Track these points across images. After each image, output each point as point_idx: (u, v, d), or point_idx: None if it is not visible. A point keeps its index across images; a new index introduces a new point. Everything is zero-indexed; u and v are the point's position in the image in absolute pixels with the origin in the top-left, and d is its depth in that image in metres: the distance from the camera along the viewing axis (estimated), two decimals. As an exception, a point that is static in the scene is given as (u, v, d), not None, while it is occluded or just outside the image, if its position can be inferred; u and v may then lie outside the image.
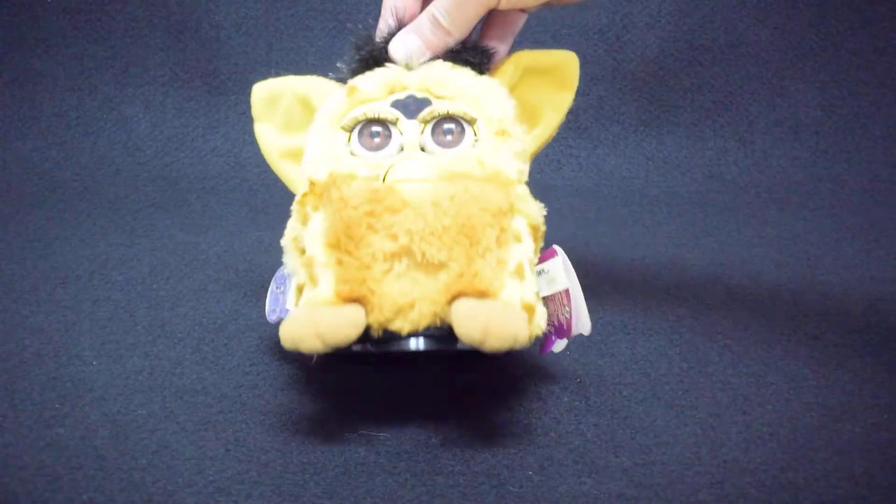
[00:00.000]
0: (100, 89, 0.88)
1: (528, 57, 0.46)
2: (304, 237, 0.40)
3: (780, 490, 0.38)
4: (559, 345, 0.43)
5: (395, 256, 0.38)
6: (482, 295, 0.37)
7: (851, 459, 0.40)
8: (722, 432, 0.42)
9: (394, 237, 0.38)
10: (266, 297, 0.47)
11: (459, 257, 0.38)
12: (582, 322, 0.41)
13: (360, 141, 0.42)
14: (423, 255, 0.37)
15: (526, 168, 0.43)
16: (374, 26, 0.47)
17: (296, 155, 0.47)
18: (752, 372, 0.48)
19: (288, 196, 0.45)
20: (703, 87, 0.88)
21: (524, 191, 0.42)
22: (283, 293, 0.44)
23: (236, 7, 0.88)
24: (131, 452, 0.39)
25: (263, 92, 0.48)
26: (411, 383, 0.46)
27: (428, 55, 0.45)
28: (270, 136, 0.49)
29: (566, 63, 0.47)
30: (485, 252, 0.38)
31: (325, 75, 0.47)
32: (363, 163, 0.41)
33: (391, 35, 0.46)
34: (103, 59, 0.88)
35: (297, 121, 0.48)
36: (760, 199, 0.80)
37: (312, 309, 0.37)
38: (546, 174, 0.88)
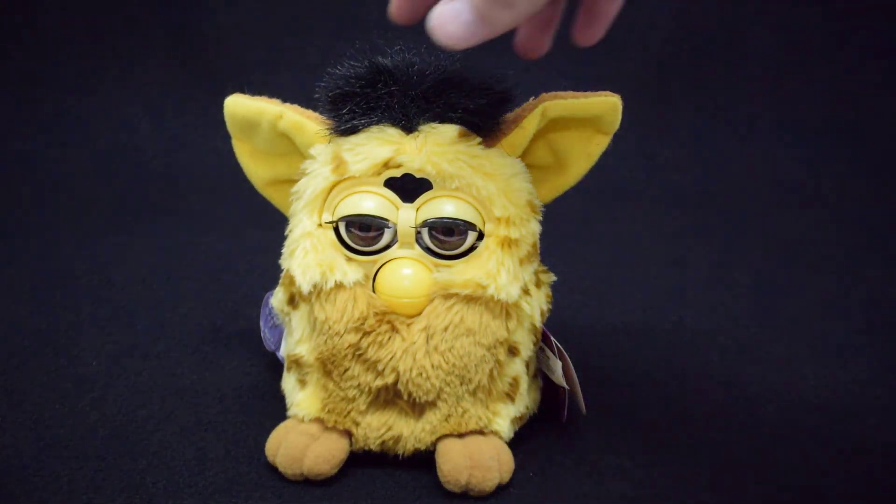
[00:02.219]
0: (100, 89, 0.88)
1: (557, 108, 0.38)
2: (292, 322, 0.39)
3: (780, 490, 0.38)
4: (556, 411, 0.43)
5: (380, 391, 0.37)
6: (470, 433, 0.38)
7: (851, 459, 0.40)
8: (723, 432, 0.42)
9: (380, 373, 0.36)
10: (261, 304, 0.47)
11: (448, 398, 0.37)
12: (577, 409, 0.42)
13: (348, 234, 0.37)
14: (410, 394, 0.37)
15: (535, 265, 0.39)
16: (376, 27, 0.43)
17: (282, 183, 0.42)
18: (752, 372, 0.48)
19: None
20: (703, 87, 0.88)
21: (528, 302, 0.38)
22: (277, 328, 0.44)
23: (236, 7, 0.88)
24: (131, 453, 0.39)
25: (237, 113, 0.41)
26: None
27: (480, 36, 0.31)
28: (250, 161, 0.43)
29: (607, 112, 0.39)
30: (476, 390, 0.37)
31: (321, 81, 0.39)
32: (352, 257, 0.37)
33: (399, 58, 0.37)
34: (103, 59, 0.88)
35: (280, 150, 0.41)
36: (760, 198, 0.80)
37: (299, 439, 0.37)
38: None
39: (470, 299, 0.36)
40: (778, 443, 0.41)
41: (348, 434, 0.38)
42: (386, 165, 0.37)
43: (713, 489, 0.38)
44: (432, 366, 0.36)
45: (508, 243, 0.37)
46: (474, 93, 0.37)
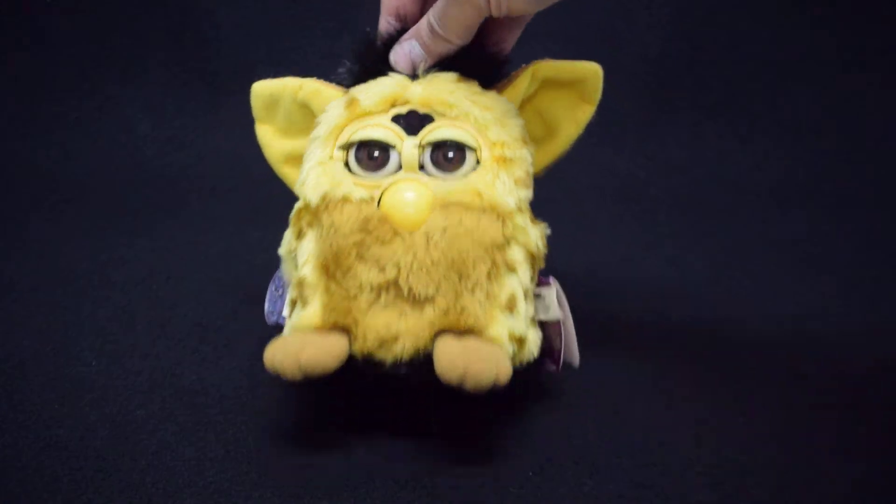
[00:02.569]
0: (100, 89, 0.88)
1: (546, 68, 0.44)
2: (298, 253, 0.40)
3: (780, 490, 0.38)
4: (550, 367, 0.43)
5: (381, 288, 0.38)
6: (468, 331, 0.37)
7: (851, 459, 0.40)
8: (722, 432, 0.42)
9: (382, 269, 0.38)
10: (265, 297, 0.47)
11: (447, 292, 0.37)
12: (572, 355, 0.42)
13: (357, 159, 0.41)
14: (410, 289, 0.37)
15: (529, 193, 0.42)
16: (376, 27, 0.47)
17: (298, 159, 0.45)
18: (752, 372, 0.48)
19: (288, 196, 0.45)
20: (703, 87, 0.88)
21: (523, 220, 0.40)
22: (282, 297, 0.44)
23: (236, 7, 0.88)
24: (131, 453, 0.39)
25: (263, 93, 0.47)
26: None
27: (430, 62, 0.42)
28: (272, 140, 0.48)
29: (589, 76, 0.44)
30: (474, 287, 0.38)
31: (328, 77, 0.45)
32: (359, 181, 0.40)
33: (392, 38, 0.44)
34: (103, 59, 0.88)
35: (298, 125, 0.46)
36: (760, 199, 0.80)
37: (296, 336, 0.38)
38: (547, 174, 0.87)
39: (468, 206, 0.39)
40: (778, 443, 0.41)
41: (348, 335, 0.38)
42: (393, 104, 0.41)
43: (713, 489, 0.38)
44: (432, 261, 0.38)
45: (503, 160, 0.40)
46: (471, 52, 0.42)
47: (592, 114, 0.45)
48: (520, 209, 0.40)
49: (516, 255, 0.39)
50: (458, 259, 0.38)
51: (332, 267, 0.38)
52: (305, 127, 0.44)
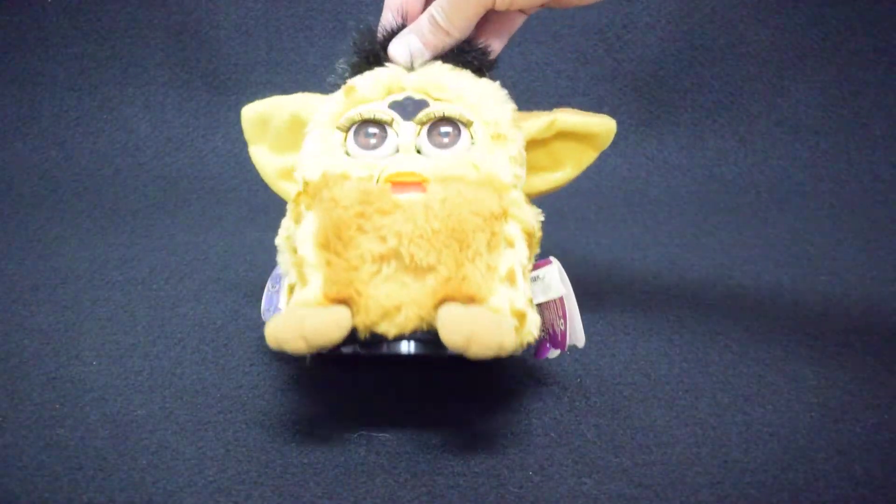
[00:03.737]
0: (100, 89, 0.88)
1: (565, 123, 0.45)
2: (297, 236, 0.40)
3: (780, 490, 0.38)
4: (553, 352, 0.43)
5: (383, 258, 0.37)
6: (470, 300, 0.37)
7: (851, 459, 0.40)
8: (722, 432, 0.42)
9: (383, 239, 0.37)
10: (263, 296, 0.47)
11: (448, 261, 0.37)
12: (576, 334, 0.42)
13: (355, 140, 0.42)
14: (412, 258, 0.37)
15: (522, 172, 0.43)
16: (376, 23, 0.47)
17: (292, 173, 0.45)
18: (752, 372, 0.48)
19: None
20: (703, 87, 0.88)
21: (519, 196, 0.41)
22: (278, 292, 0.44)
23: (236, 7, 0.88)
24: (131, 453, 0.39)
25: (253, 115, 0.48)
26: (411, 384, 0.46)
27: (428, 55, 0.44)
28: (265, 158, 0.49)
29: (603, 133, 0.46)
30: (474, 256, 0.38)
31: (324, 82, 0.46)
32: (358, 162, 0.41)
33: (392, 33, 0.45)
34: (103, 59, 0.88)
35: (289, 140, 0.47)
36: (760, 199, 0.80)
37: (298, 309, 0.37)
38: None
39: (465, 179, 0.39)
40: (778, 443, 0.41)
41: (350, 308, 0.37)
42: (390, 91, 0.43)
43: (713, 489, 0.38)
44: (432, 230, 0.37)
45: (498, 137, 0.42)
46: (463, 50, 0.45)
47: (593, 160, 0.48)
48: (515, 185, 0.41)
49: (513, 230, 0.40)
50: (458, 228, 0.38)
51: (333, 240, 0.38)
52: (296, 141, 0.45)
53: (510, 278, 0.39)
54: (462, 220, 0.38)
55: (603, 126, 0.46)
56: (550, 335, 0.42)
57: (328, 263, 0.38)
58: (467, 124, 0.42)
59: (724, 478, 0.38)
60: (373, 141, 0.42)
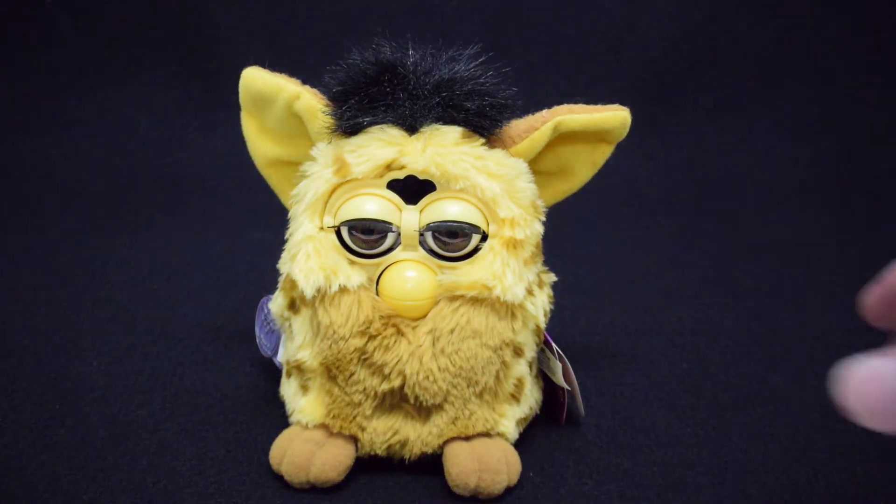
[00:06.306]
0: (100, 89, 0.88)
1: (570, 124, 0.39)
2: (293, 326, 0.38)
3: (780, 490, 0.38)
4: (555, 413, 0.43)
5: (387, 395, 0.36)
6: (477, 436, 0.38)
7: (851, 459, 0.40)
8: (722, 432, 0.42)
9: (386, 377, 0.36)
10: (256, 311, 0.47)
11: (455, 401, 0.37)
12: (574, 413, 0.42)
13: (351, 237, 0.37)
14: (417, 398, 0.36)
15: (538, 268, 0.39)
16: (375, 29, 0.42)
17: (283, 164, 0.42)
18: (752, 372, 0.48)
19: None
20: (703, 87, 0.88)
21: (532, 301, 0.38)
22: (274, 333, 0.44)
23: (236, 7, 0.88)
24: (131, 453, 0.39)
25: (255, 85, 0.42)
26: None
27: None
28: (257, 137, 0.43)
29: (616, 126, 0.39)
30: (482, 392, 0.37)
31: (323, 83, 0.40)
32: (356, 261, 0.37)
33: (384, 64, 0.37)
34: (103, 59, 0.88)
35: (288, 131, 0.41)
36: (760, 199, 0.80)
37: (304, 447, 0.37)
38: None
39: (476, 301, 0.36)
40: (778, 442, 0.41)
41: (354, 440, 0.37)
42: (389, 167, 0.36)
43: (713, 489, 0.38)
44: (439, 368, 0.36)
45: (513, 244, 0.36)
46: (476, 95, 0.36)
47: (611, 152, 0.41)
48: (529, 292, 0.37)
49: (524, 337, 0.38)
50: (467, 366, 0.36)
51: (334, 370, 0.36)
52: (296, 134, 0.41)
53: (517, 391, 0.39)
54: (471, 356, 0.36)
55: (615, 119, 0.39)
56: (553, 398, 0.43)
57: (329, 392, 0.37)
58: (477, 227, 0.37)
59: (724, 478, 0.38)
60: (371, 239, 0.36)
